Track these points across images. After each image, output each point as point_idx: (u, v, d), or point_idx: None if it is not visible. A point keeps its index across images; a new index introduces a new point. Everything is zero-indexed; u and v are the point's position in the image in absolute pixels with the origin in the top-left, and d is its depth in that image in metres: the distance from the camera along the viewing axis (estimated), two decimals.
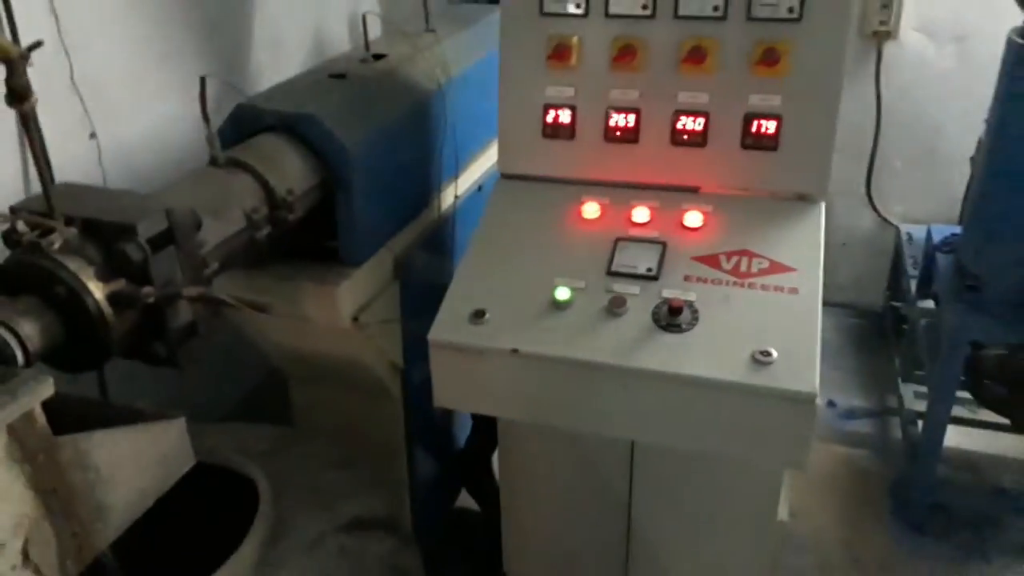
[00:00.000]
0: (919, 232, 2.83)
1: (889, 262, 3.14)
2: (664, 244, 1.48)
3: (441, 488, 2.17)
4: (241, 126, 1.48)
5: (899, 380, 2.80)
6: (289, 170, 1.41)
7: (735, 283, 1.40)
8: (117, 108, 1.83)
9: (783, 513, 1.61)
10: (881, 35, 2.92)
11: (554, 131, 1.59)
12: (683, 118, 1.51)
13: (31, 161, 1.59)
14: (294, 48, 2.40)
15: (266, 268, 1.51)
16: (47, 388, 0.89)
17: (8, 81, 1.00)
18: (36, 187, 1.56)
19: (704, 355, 1.31)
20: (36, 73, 1.00)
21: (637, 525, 1.65)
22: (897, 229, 3.08)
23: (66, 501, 0.94)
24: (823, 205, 1.50)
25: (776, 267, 1.42)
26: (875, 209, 3.19)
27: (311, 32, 2.45)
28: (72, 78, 1.70)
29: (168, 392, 1.58)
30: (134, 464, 1.01)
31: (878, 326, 3.22)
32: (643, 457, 1.58)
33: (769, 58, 1.44)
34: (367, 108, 1.59)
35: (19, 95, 1.01)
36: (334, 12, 2.53)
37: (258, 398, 2.22)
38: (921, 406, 2.50)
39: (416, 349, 1.50)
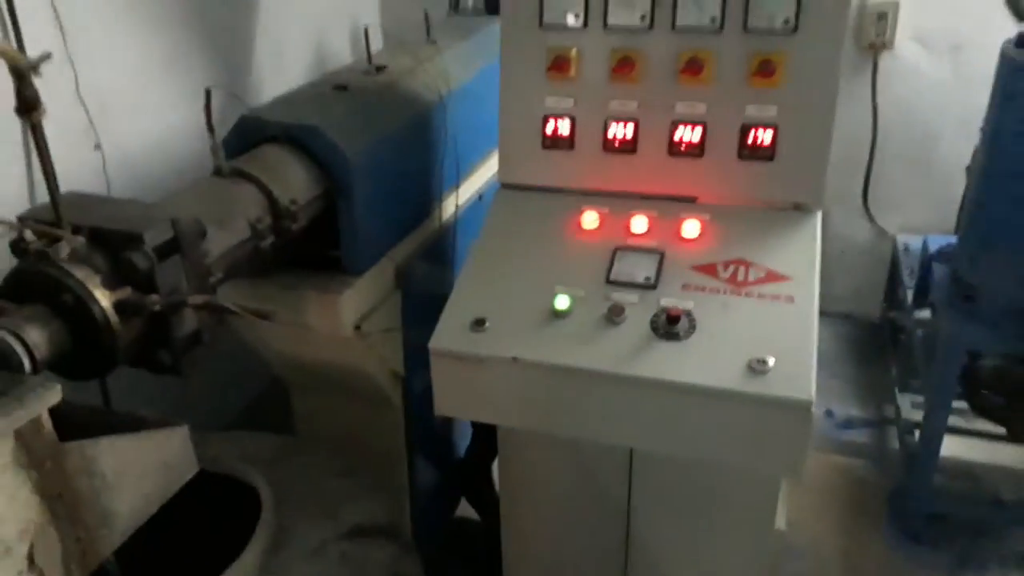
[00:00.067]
0: (915, 242, 2.84)
1: (886, 272, 3.15)
2: (662, 253, 1.49)
3: (441, 496, 2.17)
4: (245, 137, 1.49)
5: (896, 390, 2.80)
6: (292, 180, 1.43)
7: (732, 292, 1.42)
8: (121, 119, 1.84)
9: (781, 522, 1.62)
10: (877, 46, 2.94)
11: (554, 142, 1.61)
12: (681, 129, 1.53)
13: (36, 170, 1.62)
14: (296, 60, 2.42)
15: (269, 277, 1.52)
16: (55, 395, 0.90)
17: (18, 92, 1.01)
18: (41, 196, 1.58)
19: (701, 363, 1.32)
20: (41, 84, 1.01)
21: (636, 533, 1.66)
22: (894, 239, 3.09)
23: (72, 507, 0.95)
24: (819, 214, 1.51)
25: (773, 276, 1.43)
26: (872, 219, 3.21)
27: (313, 44, 2.48)
28: (77, 89, 1.72)
29: (171, 402, 1.59)
30: (139, 471, 1.01)
31: (875, 336, 3.23)
32: (642, 465, 1.58)
33: (765, 69, 1.46)
34: (369, 119, 1.60)
35: (28, 105, 1.03)
36: (336, 24, 2.55)
37: (260, 407, 2.23)
38: (918, 416, 2.50)
39: (417, 357, 1.51)
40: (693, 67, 1.49)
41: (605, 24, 1.54)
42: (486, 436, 2.07)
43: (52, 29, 1.66)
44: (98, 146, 1.78)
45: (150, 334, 1.12)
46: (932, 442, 2.31)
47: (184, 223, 1.15)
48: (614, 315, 1.40)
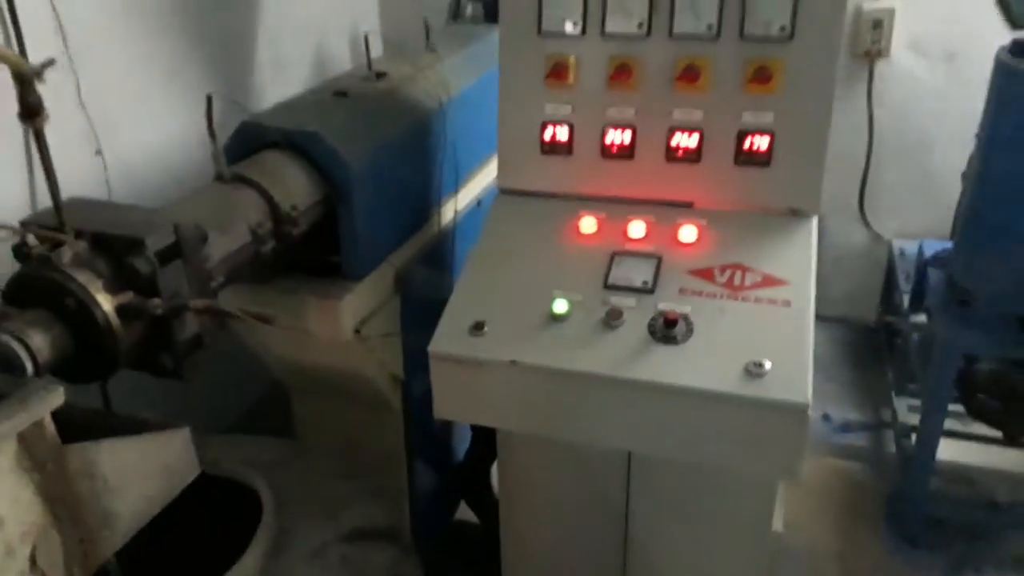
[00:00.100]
0: (911, 247, 2.86)
1: (882, 277, 3.15)
2: (660, 258, 1.50)
3: (441, 500, 2.18)
4: (246, 143, 1.50)
5: (892, 394, 2.81)
6: (293, 186, 1.44)
7: (729, 296, 1.43)
8: (122, 125, 1.85)
9: (778, 524, 1.62)
10: (873, 54, 2.95)
11: (552, 148, 1.62)
12: (678, 135, 1.54)
13: (37, 176, 1.63)
14: (297, 67, 2.43)
15: (270, 282, 1.53)
16: (57, 397, 0.91)
17: (21, 97, 1.02)
18: (42, 202, 1.59)
19: (699, 366, 1.33)
20: (43, 90, 1.02)
21: (634, 536, 1.66)
22: (890, 244, 3.10)
23: (74, 509, 0.96)
24: (815, 219, 1.53)
25: (769, 280, 1.44)
26: (868, 224, 3.22)
27: (313, 51, 2.49)
28: (79, 95, 1.73)
29: (172, 405, 1.60)
30: (140, 473, 1.02)
31: (872, 340, 3.24)
32: (640, 469, 1.59)
33: (761, 76, 1.47)
34: (369, 125, 1.61)
35: (32, 111, 1.04)
36: (335, 32, 2.57)
37: (260, 411, 2.23)
38: (914, 419, 2.51)
39: (416, 362, 1.51)
40: (690, 74, 1.50)
41: (603, 32, 1.55)
42: (485, 440, 2.08)
43: (54, 36, 1.67)
44: (99, 152, 1.79)
45: (152, 338, 1.13)
46: (928, 445, 2.32)
47: (186, 228, 1.15)
48: (612, 319, 1.41)
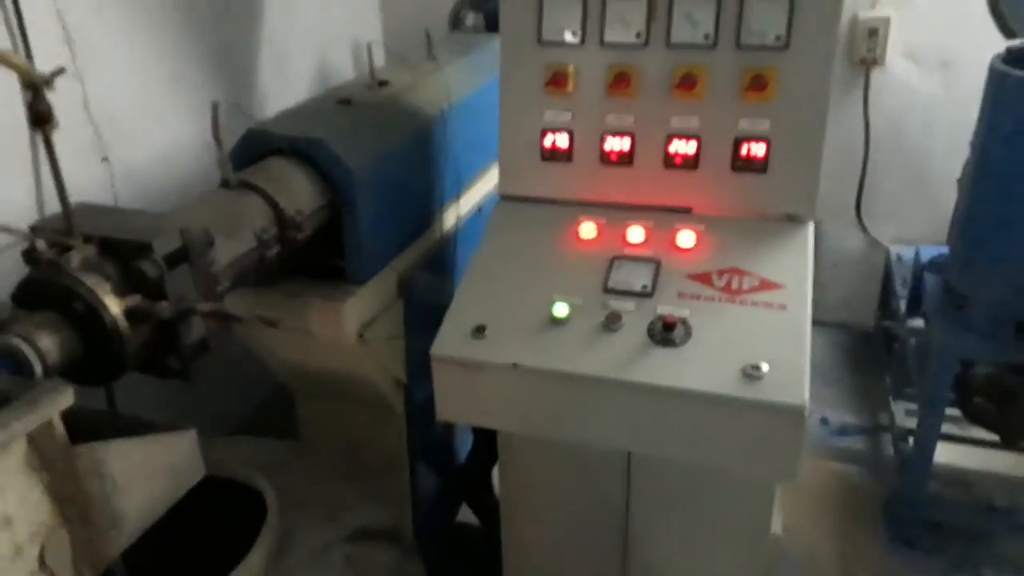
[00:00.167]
0: (908, 253, 2.87)
1: (879, 282, 3.17)
2: (658, 262, 1.52)
3: (443, 501, 2.19)
4: (251, 149, 1.52)
5: (890, 398, 2.82)
6: (298, 192, 1.45)
7: (727, 300, 1.44)
8: (129, 133, 1.87)
9: (777, 527, 1.63)
10: (868, 62, 2.98)
11: (552, 154, 1.63)
12: (676, 142, 1.56)
13: (44, 182, 1.65)
14: (300, 75, 2.45)
15: (275, 285, 1.55)
16: (67, 398, 0.91)
17: (31, 105, 1.04)
18: (49, 207, 1.61)
19: (697, 369, 1.34)
20: (51, 98, 1.03)
21: (634, 537, 1.68)
22: (887, 250, 3.12)
23: (82, 508, 0.96)
24: (811, 225, 1.54)
25: (766, 284, 1.45)
26: (865, 230, 3.24)
27: (316, 60, 2.51)
28: (85, 103, 1.75)
29: (177, 408, 1.61)
30: (147, 473, 1.03)
31: (869, 345, 3.25)
32: (640, 471, 1.60)
33: (757, 84, 1.49)
34: (372, 133, 1.63)
35: (42, 118, 1.05)
36: (338, 41, 2.59)
37: (265, 413, 2.24)
38: (912, 423, 2.52)
39: (419, 365, 1.52)
40: (687, 82, 1.52)
41: (602, 41, 1.57)
42: (486, 442, 2.09)
43: (61, 46, 1.69)
44: (105, 159, 1.81)
45: (159, 341, 1.14)
46: (926, 449, 2.33)
47: (192, 233, 1.17)
48: (611, 322, 1.42)
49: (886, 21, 2.93)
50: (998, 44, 2.19)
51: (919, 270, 2.63)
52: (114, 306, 1.07)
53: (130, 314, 1.08)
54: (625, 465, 1.60)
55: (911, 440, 2.48)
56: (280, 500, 1.38)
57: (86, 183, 1.75)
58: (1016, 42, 2.15)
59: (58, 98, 1.04)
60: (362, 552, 1.38)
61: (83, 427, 0.97)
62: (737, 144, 1.53)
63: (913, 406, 2.65)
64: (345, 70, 2.62)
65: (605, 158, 1.61)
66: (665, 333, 1.39)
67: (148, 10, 1.91)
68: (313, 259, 1.56)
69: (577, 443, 1.55)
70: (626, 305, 1.45)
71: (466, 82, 1.99)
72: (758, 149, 1.52)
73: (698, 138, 1.55)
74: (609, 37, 1.56)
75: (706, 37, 1.51)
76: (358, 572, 1.35)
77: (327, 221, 1.52)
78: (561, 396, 1.41)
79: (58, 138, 1.07)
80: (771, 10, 1.47)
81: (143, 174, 1.92)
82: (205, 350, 1.20)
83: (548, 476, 1.69)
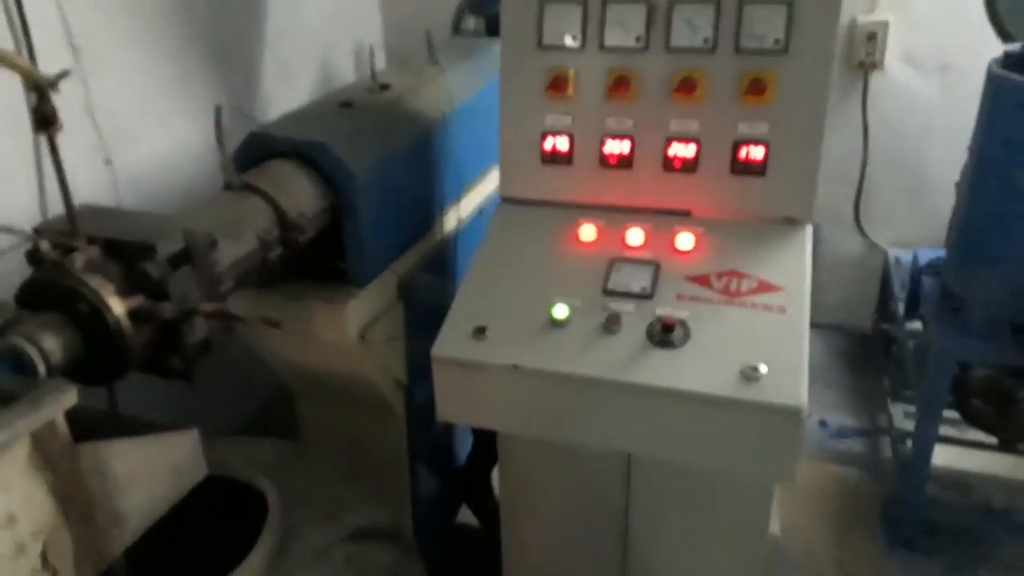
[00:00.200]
0: (906, 256, 2.88)
1: (877, 285, 3.18)
2: (657, 265, 1.52)
3: (443, 502, 2.19)
4: (253, 152, 1.52)
5: (888, 400, 2.83)
6: (300, 194, 1.46)
7: (725, 302, 1.45)
8: (131, 135, 1.88)
9: (775, 529, 1.64)
10: (867, 66, 2.99)
11: (552, 157, 1.64)
12: (675, 145, 1.56)
13: (47, 184, 1.66)
14: (302, 78, 2.46)
15: (277, 287, 1.55)
16: (70, 398, 0.92)
17: (37, 108, 1.05)
18: (52, 209, 1.62)
19: (696, 370, 1.35)
20: (55, 100, 1.04)
21: (633, 538, 1.68)
22: (885, 253, 3.13)
23: (85, 507, 0.97)
24: (809, 228, 1.55)
25: (765, 287, 1.46)
26: (863, 233, 3.25)
27: (318, 63, 2.52)
28: (89, 106, 1.76)
29: (178, 408, 1.62)
30: (149, 473, 1.04)
31: (867, 347, 3.26)
32: (639, 472, 1.60)
33: (756, 88, 1.49)
34: (374, 136, 1.63)
35: (46, 121, 1.06)
36: (340, 44, 2.60)
37: (266, 414, 2.25)
38: (910, 425, 2.53)
39: (419, 366, 1.53)
40: (687, 86, 1.53)
41: (602, 45, 1.58)
42: (486, 443, 2.10)
43: (64, 49, 1.70)
44: (108, 162, 1.82)
45: (162, 341, 1.14)
46: (924, 451, 2.34)
47: (195, 234, 1.17)
48: (611, 324, 1.43)
49: (885, 25, 2.94)
50: (996, 48, 2.20)
51: (917, 273, 2.64)
52: (117, 307, 1.07)
53: (133, 315, 1.09)
54: (625, 466, 1.61)
55: (909, 442, 2.48)
56: (281, 500, 1.38)
57: (89, 185, 1.76)
58: (1014, 46, 2.16)
59: (62, 101, 1.04)
60: (362, 552, 1.38)
61: (86, 427, 0.97)
62: (736, 147, 1.54)
63: (911, 408, 2.66)
64: (346, 73, 2.63)
65: (605, 161, 1.61)
66: (664, 335, 1.39)
67: (151, 14, 1.92)
68: (315, 261, 1.57)
69: (577, 444, 1.55)
70: (625, 307, 1.46)
71: (467, 85, 2.00)
72: (757, 152, 1.53)
73: (697, 141, 1.56)
74: (609, 41, 1.57)
75: (705, 41, 1.52)
76: (358, 572, 1.35)
77: (329, 223, 1.53)
78: (561, 397, 1.42)
79: (62, 140, 1.08)
80: (770, 14, 1.48)
81: (146, 176, 1.93)
82: (208, 351, 1.21)
83: (548, 477, 1.70)
